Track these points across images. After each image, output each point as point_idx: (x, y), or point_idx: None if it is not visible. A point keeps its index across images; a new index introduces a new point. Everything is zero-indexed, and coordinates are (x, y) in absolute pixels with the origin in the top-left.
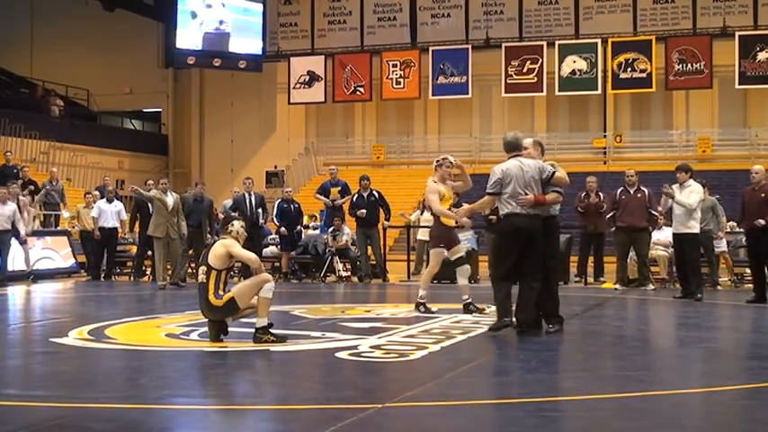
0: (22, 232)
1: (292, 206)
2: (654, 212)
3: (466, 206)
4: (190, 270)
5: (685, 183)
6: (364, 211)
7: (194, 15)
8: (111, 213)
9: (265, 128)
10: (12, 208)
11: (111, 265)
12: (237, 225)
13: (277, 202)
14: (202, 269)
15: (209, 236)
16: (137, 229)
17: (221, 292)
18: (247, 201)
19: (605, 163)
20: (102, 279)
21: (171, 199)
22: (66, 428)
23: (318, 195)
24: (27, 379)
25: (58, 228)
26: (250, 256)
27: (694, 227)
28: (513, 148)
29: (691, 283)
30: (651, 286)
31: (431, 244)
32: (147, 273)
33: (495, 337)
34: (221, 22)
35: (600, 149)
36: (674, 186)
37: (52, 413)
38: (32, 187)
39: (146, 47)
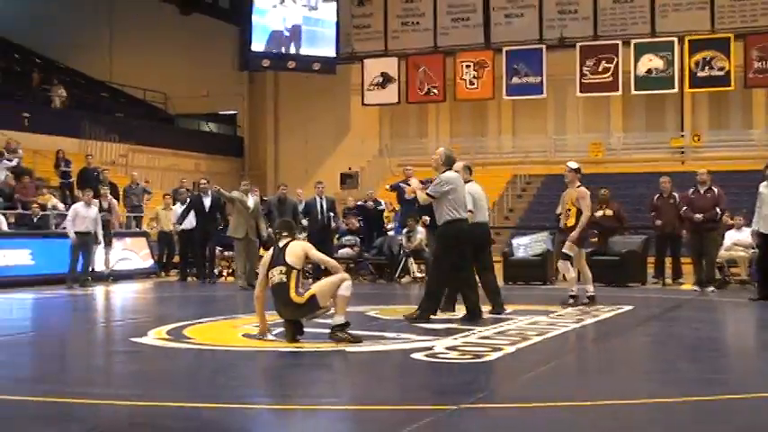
0: (100, 236)
1: (377, 207)
2: (719, 210)
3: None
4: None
5: None
6: (428, 218)
7: (267, 18)
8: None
9: (339, 129)
10: (95, 211)
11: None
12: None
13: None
14: (279, 269)
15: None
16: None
17: (301, 290)
18: (318, 204)
19: (683, 163)
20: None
21: (252, 200)
22: (146, 427)
23: (389, 188)
24: (108, 378)
25: (138, 229)
26: (327, 259)
27: None
28: (453, 162)
29: None
30: (711, 288)
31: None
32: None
33: (569, 338)
34: (295, 25)
35: (677, 149)
36: (763, 183)
37: (131, 412)
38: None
39: (221, 50)
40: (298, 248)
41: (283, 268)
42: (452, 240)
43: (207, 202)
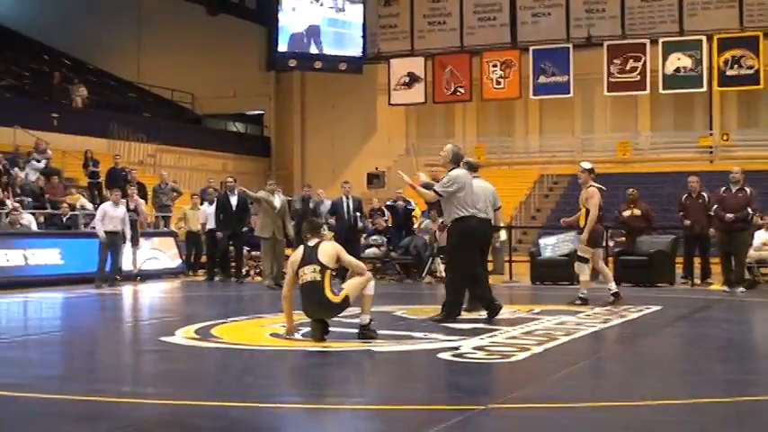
0: (128, 236)
1: (407, 207)
2: (750, 211)
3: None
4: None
5: None
6: None
7: (288, 19)
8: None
9: (366, 129)
10: (123, 210)
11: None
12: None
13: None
14: (313, 268)
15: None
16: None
17: (335, 290)
18: (345, 204)
19: (711, 162)
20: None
21: (278, 200)
22: (175, 426)
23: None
24: (137, 377)
25: (166, 229)
26: (355, 261)
27: None
28: (460, 159)
29: None
30: (740, 288)
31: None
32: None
33: (597, 339)
34: (313, 26)
35: (706, 148)
36: None
37: (161, 410)
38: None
39: (248, 50)
40: (330, 249)
41: (317, 267)
42: (461, 237)
43: (234, 200)
